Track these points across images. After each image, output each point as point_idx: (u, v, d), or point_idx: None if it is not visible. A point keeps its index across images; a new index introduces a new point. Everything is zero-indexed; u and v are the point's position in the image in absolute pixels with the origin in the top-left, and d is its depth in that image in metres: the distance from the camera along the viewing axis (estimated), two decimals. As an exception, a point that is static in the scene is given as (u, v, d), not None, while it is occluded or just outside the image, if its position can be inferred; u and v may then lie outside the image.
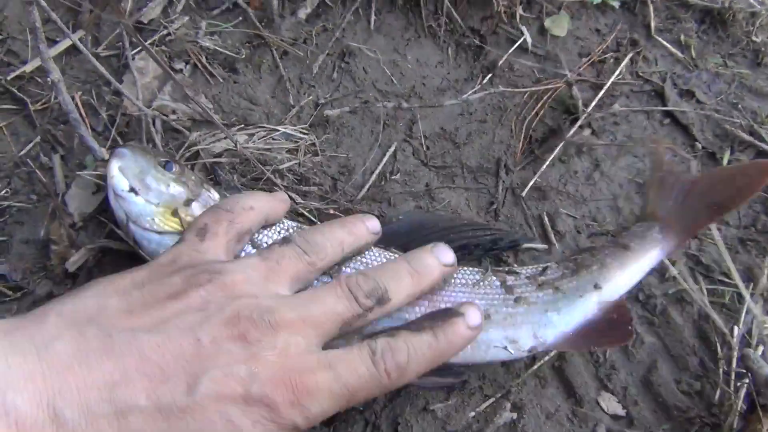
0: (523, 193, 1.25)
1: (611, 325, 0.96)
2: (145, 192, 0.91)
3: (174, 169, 0.96)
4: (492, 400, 0.99)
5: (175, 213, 0.92)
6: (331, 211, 1.15)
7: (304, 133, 1.21)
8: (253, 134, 1.18)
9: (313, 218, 1.14)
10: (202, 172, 1.14)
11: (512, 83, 1.37)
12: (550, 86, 1.35)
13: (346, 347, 0.74)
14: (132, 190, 0.91)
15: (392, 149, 1.25)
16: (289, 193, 1.13)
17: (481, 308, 0.93)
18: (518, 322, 0.95)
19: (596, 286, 0.97)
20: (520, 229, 1.22)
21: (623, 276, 1.00)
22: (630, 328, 0.95)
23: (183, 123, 1.16)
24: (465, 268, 1.01)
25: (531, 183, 1.26)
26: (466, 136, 1.30)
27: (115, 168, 0.91)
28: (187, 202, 0.94)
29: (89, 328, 0.57)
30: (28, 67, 1.15)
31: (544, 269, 1.01)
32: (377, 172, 1.23)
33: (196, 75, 1.22)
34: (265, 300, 0.69)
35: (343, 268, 0.93)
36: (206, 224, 0.82)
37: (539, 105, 1.35)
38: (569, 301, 0.97)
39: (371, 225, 0.96)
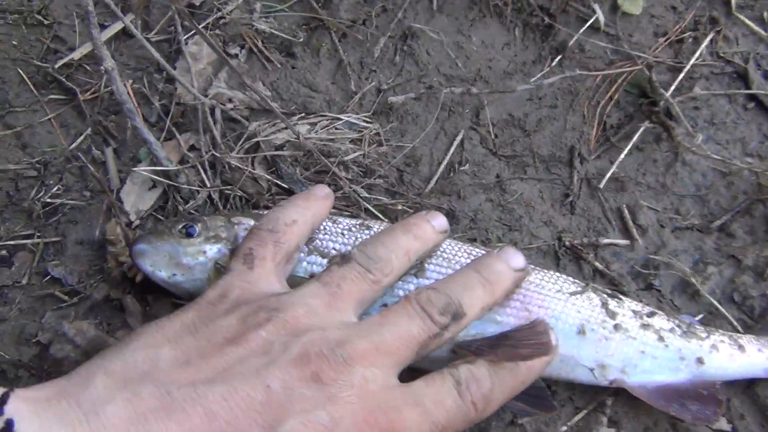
0: (601, 185, 1.15)
1: (698, 400, 0.87)
2: (188, 272, 0.84)
3: (197, 230, 0.87)
4: (584, 412, 0.91)
5: (223, 270, 0.83)
6: (399, 207, 1.07)
7: (368, 122, 1.12)
8: (315, 124, 1.09)
9: (379, 214, 1.05)
10: (263, 165, 1.05)
11: (583, 65, 1.27)
12: (625, 68, 1.24)
13: (427, 378, 0.66)
14: (174, 275, 0.84)
15: (459, 138, 1.16)
16: (353, 186, 1.04)
17: (577, 322, 0.86)
18: (612, 350, 0.87)
19: (700, 360, 0.89)
20: (599, 223, 1.12)
21: (731, 368, 0.91)
22: (716, 411, 0.86)
23: (240, 112, 1.07)
24: (563, 276, 0.93)
25: (609, 174, 1.16)
26: (536, 123, 1.20)
27: (145, 267, 0.85)
28: (232, 252, 0.85)
29: (144, 387, 0.49)
30: (77, 54, 1.06)
31: (652, 313, 0.92)
32: (445, 162, 1.13)
33: (252, 60, 1.13)
34: (333, 332, 0.59)
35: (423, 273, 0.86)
36: (251, 249, 0.74)
37: (613, 89, 1.24)
38: (668, 357, 0.88)
39: (438, 224, 0.87)
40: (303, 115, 1.10)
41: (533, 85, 1.16)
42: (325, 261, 0.86)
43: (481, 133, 1.18)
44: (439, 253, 0.89)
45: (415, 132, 1.15)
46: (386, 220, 1.04)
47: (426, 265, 0.87)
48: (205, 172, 1.01)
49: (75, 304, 0.93)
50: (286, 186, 1.03)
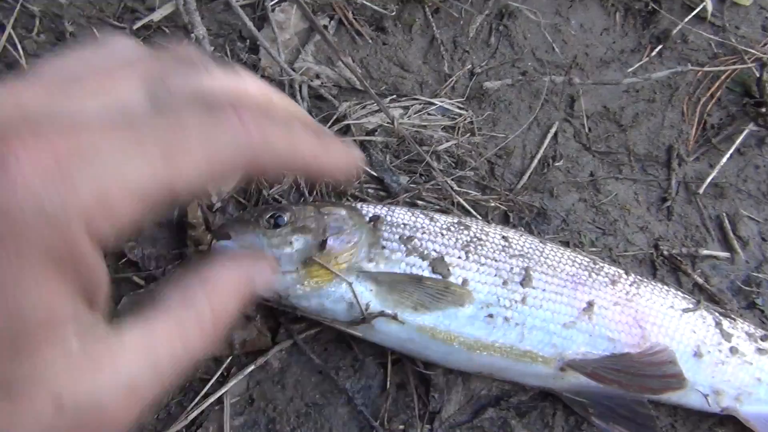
0: (700, 190, 1.07)
1: None
2: (280, 271, 0.77)
3: (286, 219, 0.79)
4: (687, 442, 0.85)
5: (315, 262, 0.77)
6: (492, 203, 0.99)
7: (461, 108, 1.03)
8: (407, 108, 1.00)
9: (470, 209, 0.97)
10: (351, 150, 0.97)
11: (684, 57, 1.17)
12: (731, 64, 1.14)
13: None
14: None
15: (553, 130, 1.08)
16: (447, 180, 0.97)
17: (692, 343, 0.80)
18: (727, 375, 0.81)
19: None
20: (697, 232, 1.05)
21: None
22: None
23: (329, 90, 0.99)
24: (671, 290, 0.86)
25: (709, 179, 1.08)
26: (632, 118, 1.12)
27: None
28: (321, 246, 0.78)
29: None
30: (156, 15, 0.97)
31: (766, 337, 0.86)
32: (538, 157, 1.05)
33: (340, 33, 1.03)
34: None
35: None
36: None
37: (716, 85, 1.15)
38: None
39: None
40: (394, 97, 1.01)
41: (640, 79, 1.07)
42: (425, 263, 0.80)
43: (575, 126, 1.09)
44: (543, 260, 0.82)
45: (508, 121, 1.07)
46: (479, 216, 0.96)
47: (532, 273, 0.81)
48: (291, 154, 0.93)
49: (151, 291, 0.86)
50: (375, 174, 0.95)
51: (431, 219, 0.85)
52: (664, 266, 1.00)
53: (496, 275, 0.79)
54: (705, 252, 1.02)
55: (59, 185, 0.38)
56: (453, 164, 1.00)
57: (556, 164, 1.05)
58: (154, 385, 0.43)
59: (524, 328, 0.78)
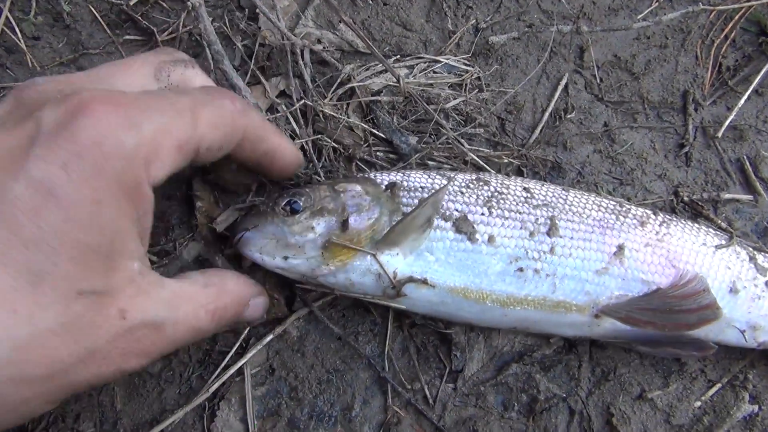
0: (719, 134, 1.02)
1: None
2: (299, 253, 0.74)
3: (302, 203, 0.76)
4: (719, 386, 0.81)
5: (338, 245, 0.74)
6: (504, 159, 0.95)
7: (467, 65, 0.99)
8: (412, 67, 0.96)
9: (484, 165, 0.93)
10: (358, 113, 0.93)
11: (696, -1, 1.11)
12: (748, 2, 1.08)
13: None
14: (286, 258, 0.75)
15: (563, 82, 1.03)
16: (457, 139, 0.92)
17: (728, 279, 0.76)
18: (764, 309, 0.77)
19: None
20: (717, 177, 1.00)
21: None
22: None
23: (331, 54, 0.94)
24: (702, 227, 0.82)
25: (727, 122, 1.02)
26: (644, 65, 1.06)
27: (254, 255, 0.75)
28: (342, 226, 0.75)
29: None
30: (153, -11, 0.93)
31: None
32: (549, 110, 1.00)
33: (340, -5, 0.99)
34: None
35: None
36: None
37: (729, 26, 1.09)
38: None
39: None
40: (398, 57, 0.97)
41: (651, 23, 1.01)
42: (449, 224, 0.76)
43: (585, 77, 1.04)
44: (567, 208, 0.78)
45: (516, 75, 1.02)
46: (493, 171, 0.92)
47: (558, 222, 0.77)
48: (296, 121, 0.89)
49: (165, 265, 0.83)
50: (383, 135, 0.92)
51: (449, 179, 0.81)
52: (685, 212, 0.96)
53: (521, 228, 0.76)
54: (727, 196, 0.97)
55: (132, 129, 0.52)
56: (462, 122, 0.96)
57: (568, 116, 1.00)
58: (173, 333, 0.59)
59: (555, 278, 0.74)
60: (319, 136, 0.90)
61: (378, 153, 0.92)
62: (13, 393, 0.49)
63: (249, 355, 0.81)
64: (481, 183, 0.80)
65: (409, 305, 0.77)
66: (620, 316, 0.70)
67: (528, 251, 0.74)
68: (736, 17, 1.08)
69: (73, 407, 0.78)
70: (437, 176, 0.81)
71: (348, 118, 0.90)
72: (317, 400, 0.80)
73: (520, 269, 0.73)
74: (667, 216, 0.82)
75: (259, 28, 0.94)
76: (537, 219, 0.76)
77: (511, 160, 0.94)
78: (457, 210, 0.76)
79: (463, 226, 0.75)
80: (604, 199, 0.81)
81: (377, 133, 0.91)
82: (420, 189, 0.78)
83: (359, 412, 0.80)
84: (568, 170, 0.97)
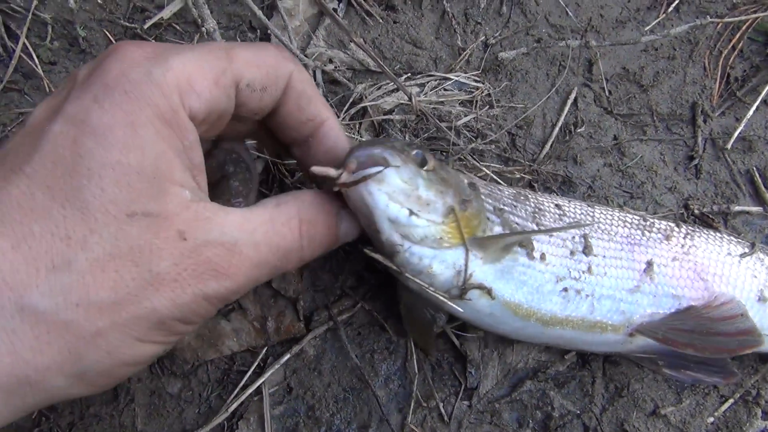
0: (728, 145, 1.01)
1: None
2: (425, 212, 0.67)
3: (428, 163, 0.70)
4: (731, 402, 0.81)
5: (454, 222, 0.69)
6: (516, 174, 0.94)
7: (477, 81, 0.99)
8: (423, 85, 0.96)
9: (496, 178, 0.93)
10: (370, 132, 0.93)
11: (703, 10, 1.10)
12: (751, 13, 1.07)
13: None
14: (411, 213, 0.66)
15: (572, 96, 1.02)
16: (470, 155, 0.92)
17: (755, 288, 0.77)
18: None
19: None
20: (727, 189, 0.99)
21: None
22: None
23: (343, 74, 0.95)
24: (725, 235, 0.81)
25: (736, 133, 1.02)
26: (652, 77, 1.05)
27: (382, 197, 0.64)
28: (463, 204, 0.70)
29: None
30: (166, 13, 0.94)
31: None
32: (559, 125, 1.00)
33: (350, 15, 0.99)
34: None
35: None
36: None
37: (737, 36, 1.08)
38: None
39: None
40: (409, 75, 0.96)
41: (659, 36, 1.01)
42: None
43: (594, 90, 1.04)
44: (596, 226, 0.78)
45: (526, 90, 1.02)
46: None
47: (590, 240, 0.76)
48: (310, 141, 0.89)
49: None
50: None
51: (500, 190, 0.80)
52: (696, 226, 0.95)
53: (562, 246, 0.75)
54: (737, 208, 0.97)
55: (158, 61, 0.52)
56: (473, 138, 0.95)
57: (578, 130, 1.00)
58: (256, 254, 0.56)
59: (594, 299, 0.74)
60: (332, 155, 0.90)
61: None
62: (85, 321, 0.48)
63: (267, 375, 0.81)
64: (521, 197, 0.79)
65: (463, 308, 0.73)
66: (657, 336, 0.70)
67: (570, 270, 0.73)
68: (743, 27, 1.08)
69: (96, 428, 0.78)
70: (491, 184, 0.81)
71: (361, 137, 0.90)
72: (334, 419, 0.81)
73: (565, 289, 0.73)
74: (690, 227, 0.82)
75: (272, 48, 0.94)
76: (573, 236, 0.76)
77: (523, 175, 0.94)
78: (517, 224, 0.75)
79: (524, 241, 0.74)
80: (627, 214, 0.80)
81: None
82: (492, 197, 0.76)
83: (376, 431, 0.80)
84: (579, 184, 0.97)
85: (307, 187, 0.76)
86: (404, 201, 0.65)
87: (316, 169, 0.61)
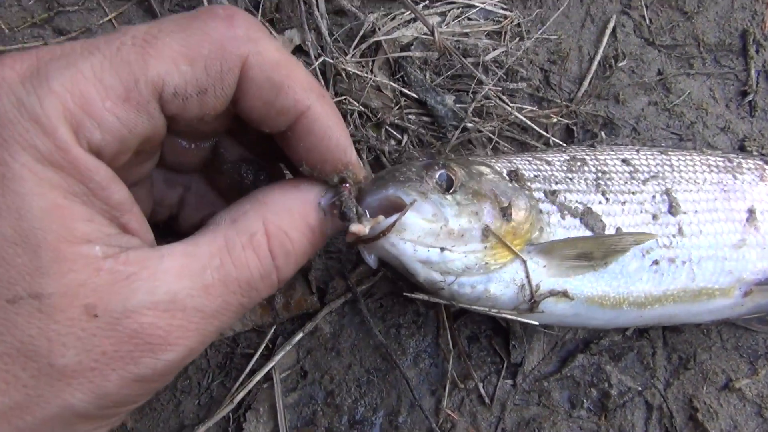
0: (786, 78, 0.86)
1: None
2: (459, 244, 0.54)
3: (455, 181, 0.56)
4: (813, 372, 0.68)
5: (497, 240, 0.55)
6: (553, 118, 0.79)
7: (505, 9, 0.82)
8: (444, 14, 0.79)
9: (529, 122, 0.77)
10: (385, 71, 0.77)
11: (751, -75, 0.93)
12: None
13: None
14: (444, 249, 0.54)
15: (611, 26, 0.86)
16: (499, 96, 0.76)
17: None
18: None
19: None
20: (786, 127, 0.85)
21: None
22: None
23: (351, 1, 0.77)
24: None
25: (795, 63, 0.86)
26: (697, 3, 0.89)
27: (406, 246, 0.52)
28: (504, 214, 0.56)
29: None
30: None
31: None
32: (597, 59, 0.84)
33: (355, -68, 0.81)
34: None
35: None
36: None
37: (791, -46, 0.92)
38: None
39: None
40: (427, 2, 0.79)
41: (712, -48, 0.84)
42: (577, 221, 0.60)
43: (634, 18, 0.88)
44: (678, 176, 0.63)
45: (558, 20, 0.85)
46: (540, 131, 0.76)
47: (675, 195, 0.62)
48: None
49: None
50: (416, 96, 0.75)
51: (548, 163, 0.64)
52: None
53: (642, 211, 0.60)
54: (801, 153, 0.82)
55: (35, 81, 0.37)
56: (504, 76, 0.79)
57: (619, 65, 0.84)
58: (207, 302, 0.40)
59: (692, 264, 0.60)
60: (343, 98, 0.73)
61: (410, 116, 0.76)
62: None
63: (277, 358, 0.67)
64: (578, 163, 0.64)
65: (535, 320, 0.60)
66: None
67: (658, 239, 0.59)
68: (799, -57, 0.91)
69: (78, 430, 0.63)
70: (528, 157, 0.65)
71: (374, 77, 0.74)
72: (358, 406, 0.67)
73: (656, 262, 0.59)
74: None
75: (265, -27, 0.76)
76: (654, 197, 0.61)
77: (560, 119, 0.79)
78: (578, 201, 0.59)
79: (590, 221, 0.59)
80: (710, 156, 0.65)
81: (408, 93, 0.75)
82: (541, 179, 0.61)
83: (406, 418, 0.66)
84: (622, 126, 0.82)
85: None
86: (433, 242, 0.53)
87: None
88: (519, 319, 0.58)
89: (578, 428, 0.67)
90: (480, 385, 0.68)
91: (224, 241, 0.42)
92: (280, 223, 0.45)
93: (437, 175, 0.54)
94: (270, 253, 0.44)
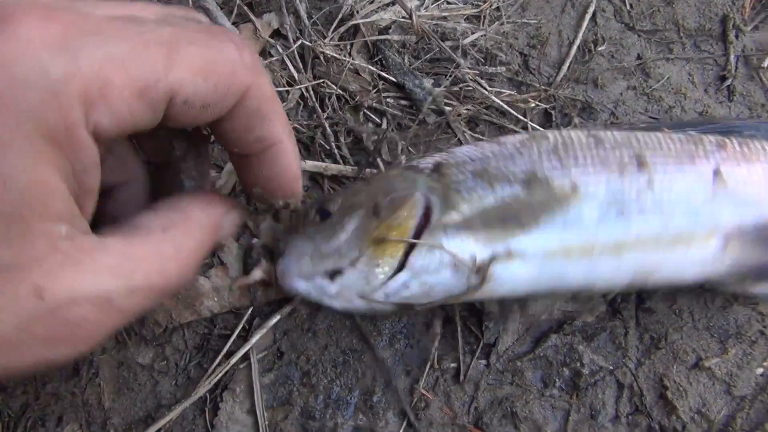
0: (764, 64, 0.86)
1: None
2: (341, 260, 0.58)
3: (332, 207, 0.60)
4: (783, 351, 0.68)
5: (379, 241, 0.57)
6: (531, 102, 0.79)
7: (484, -8, 0.82)
8: (422, -3, 0.79)
9: (506, 107, 0.77)
10: (363, 54, 0.77)
11: None
12: None
13: None
14: (331, 275, 0.58)
15: (590, 10, 0.86)
16: (477, 80, 0.76)
17: None
18: None
19: None
20: (763, 111, 0.85)
21: None
22: None
23: (329, -15, 0.77)
24: None
25: (774, 49, 0.86)
26: (677, -13, 0.89)
27: (297, 285, 0.59)
28: (375, 211, 0.59)
29: None
30: None
31: None
32: (576, 43, 0.84)
33: None
34: None
35: None
36: None
37: (771, -62, 0.92)
38: None
39: None
40: (406, -14, 0.79)
41: (692, -63, 0.84)
42: (517, 187, 0.60)
43: (614, 3, 0.88)
44: (644, 145, 0.63)
45: (538, 4, 0.85)
46: (518, 116, 0.77)
47: (644, 154, 0.61)
48: (294, 65, 0.73)
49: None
50: (394, 79, 0.75)
51: (499, 143, 0.64)
52: (731, 154, 0.81)
53: (604, 167, 0.60)
54: (776, 134, 0.82)
55: (64, 54, 0.36)
56: (482, 60, 0.79)
57: (598, 49, 0.84)
58: (128, 303, 0.41)
59: (663, 212, 0.59)
60: (321, 81, 0.73)
61: (388, 99, 0.76)
62: None
63: (255, 338, 0.67)
64: (539, 138, 0.64)
65: (504, 291, 0.60)
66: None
67: (624, 192, 0.59)
68: (780, -72, 0.91)
69: (54, 408, 0.64)
70: (485, 144, 0.65)
71: (353, 60, 0.73)
72: (333, 386, 0.67)
73: (621, 212, 0.58)
74: (739, 138, 0.67)
75: (243, -43, 0.76)
76: (622, 157, 0.60)
77: (538, 103, 0.79)
78: (522, 171, 0.60)
79: (534, 182, 0.58)
80: (672, 134, 0.65)
81: (387, 76, 0.75)
82: (470, 161, 0.62)
83: (381, 398, 0.67)
84: (600, 111, 0.82)
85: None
86: (314, 269, 0.58)
87: None
88: (482, 298, 0.58)
89: (550, 407, 0.67)
90: (453, 365, 0.68)
91: (155, 248, 0.44)
92: (201, 240, 0.48)
93: (313, 213, 0.58)
94: (189, 266, 0.46)
